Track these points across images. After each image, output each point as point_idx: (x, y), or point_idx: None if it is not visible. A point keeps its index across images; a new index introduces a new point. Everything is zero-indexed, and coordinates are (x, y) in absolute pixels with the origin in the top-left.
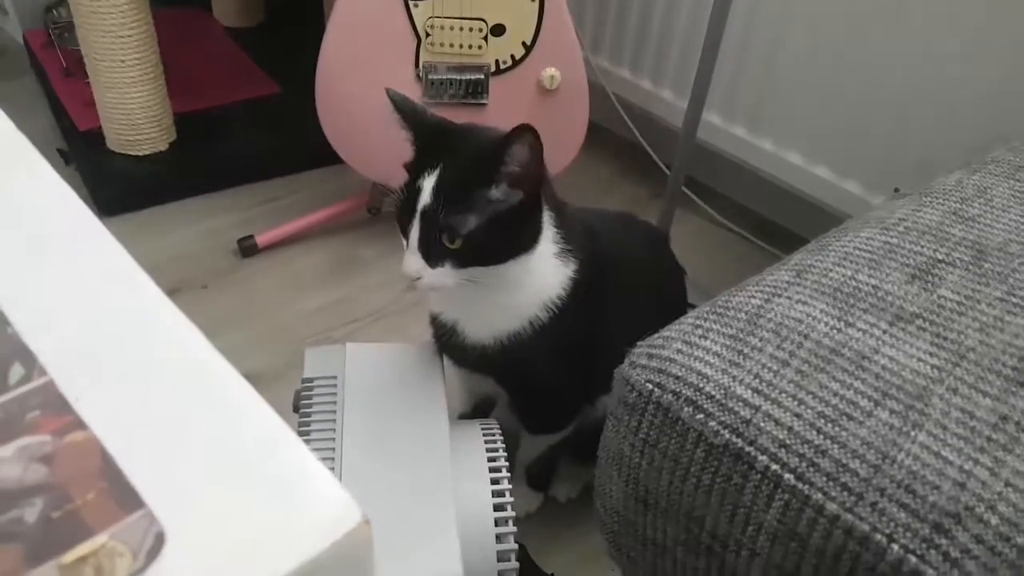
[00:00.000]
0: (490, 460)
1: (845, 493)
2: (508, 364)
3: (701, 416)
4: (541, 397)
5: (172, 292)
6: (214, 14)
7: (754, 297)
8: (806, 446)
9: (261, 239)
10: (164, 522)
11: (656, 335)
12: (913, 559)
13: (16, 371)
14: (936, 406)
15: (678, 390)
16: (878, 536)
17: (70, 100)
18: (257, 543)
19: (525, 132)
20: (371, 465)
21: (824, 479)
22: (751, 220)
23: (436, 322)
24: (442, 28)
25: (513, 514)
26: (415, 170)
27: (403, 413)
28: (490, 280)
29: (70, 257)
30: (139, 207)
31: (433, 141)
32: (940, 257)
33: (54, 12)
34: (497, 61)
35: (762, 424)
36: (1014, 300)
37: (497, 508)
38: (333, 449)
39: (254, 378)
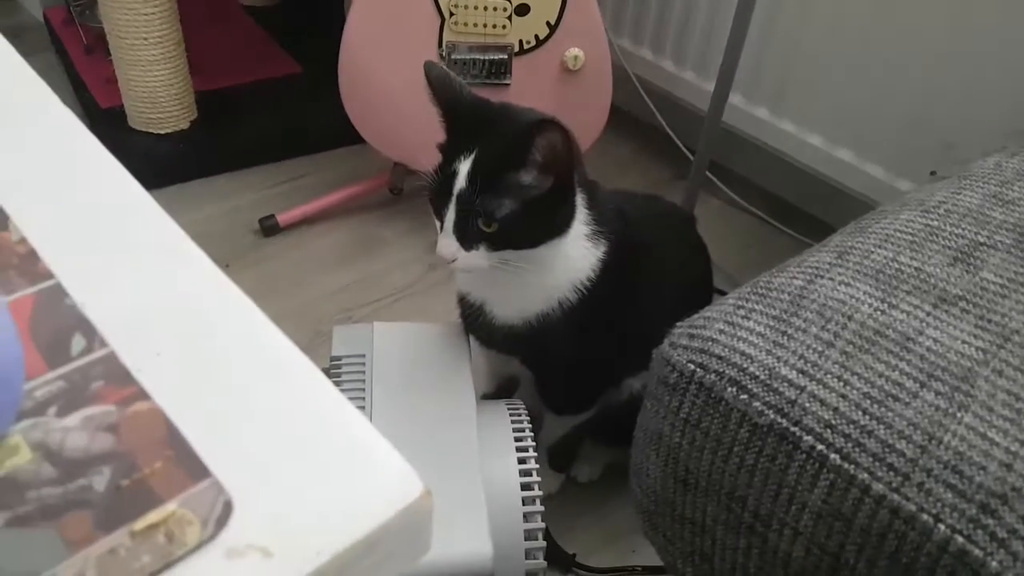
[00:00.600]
0: (517, 440)
1: (891, 473)
2: (535, 345)
3: (745, 396)
4: (567, 378)
5: None
6: None
7: (796, 278)
8: (852, 426)
9: (283, 218)
10: (231, 491)
11: (696, 315)
12: (960, 539)
13: (78, 342)
14: (982, 388)
15: (721, 370)
16: (924, 516)
17: (91, 78)
18: (324, 512)
19: (547, 129)
20: (399, 443)
21: (870, 459)
22: (772, 204)
23: (464, 302)
24: (466, 8)
25: (540, 493)
26: (449, 152)
27: (431, 392)
28: (522, 262)
29: (122, 229)
30: (160, 186)
31: (468, 122)
32: (982, 240)
33: None
34: (521, 41)
35: (807, 404)
36: None
37: (524, 487)
38: None
39: None
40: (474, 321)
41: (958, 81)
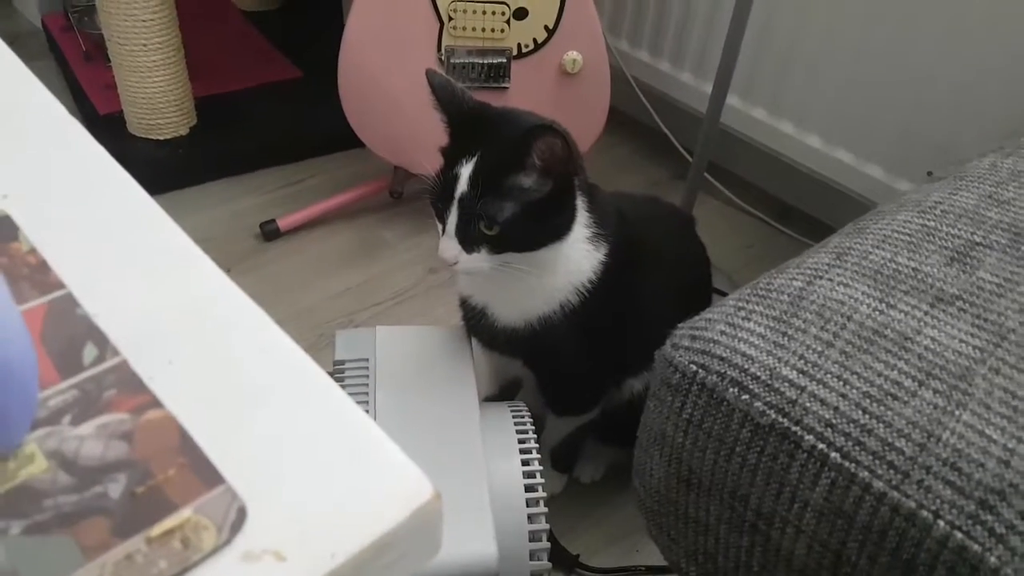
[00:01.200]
0: (520, 442)
1: (891, 471)
2: (538, 347)
3: (747, 397)
4: (569, 379)
5: None
6: None
7: (795, 279)
8: (852, 425)
9: (283, 223)
10: (244, 497)
11: (698, 317)
12: (959, 535)
13: (90, 351)
14: (979, 386)
15: (723, 371)
16: (924, 513)
17: (90, 84)
18: (337, 515)
19: (545, 133)
20: (403, 446)
21: (870, 458)
22: (770, 204)
23: (466, 305)
24: (465, 12)
25: (544, 495)
26: (451, 156)
27: (434, 395)
28: (524, 265)
29: (130, 237)
30: (160, 191)
31: (470, 127)
32: (978, 240)
33: None
34: (519, 45)
35: (808, 404)
36: None
37: (528, 489)
38: None
39: None
40: (476, 324)
41: (955, 82)
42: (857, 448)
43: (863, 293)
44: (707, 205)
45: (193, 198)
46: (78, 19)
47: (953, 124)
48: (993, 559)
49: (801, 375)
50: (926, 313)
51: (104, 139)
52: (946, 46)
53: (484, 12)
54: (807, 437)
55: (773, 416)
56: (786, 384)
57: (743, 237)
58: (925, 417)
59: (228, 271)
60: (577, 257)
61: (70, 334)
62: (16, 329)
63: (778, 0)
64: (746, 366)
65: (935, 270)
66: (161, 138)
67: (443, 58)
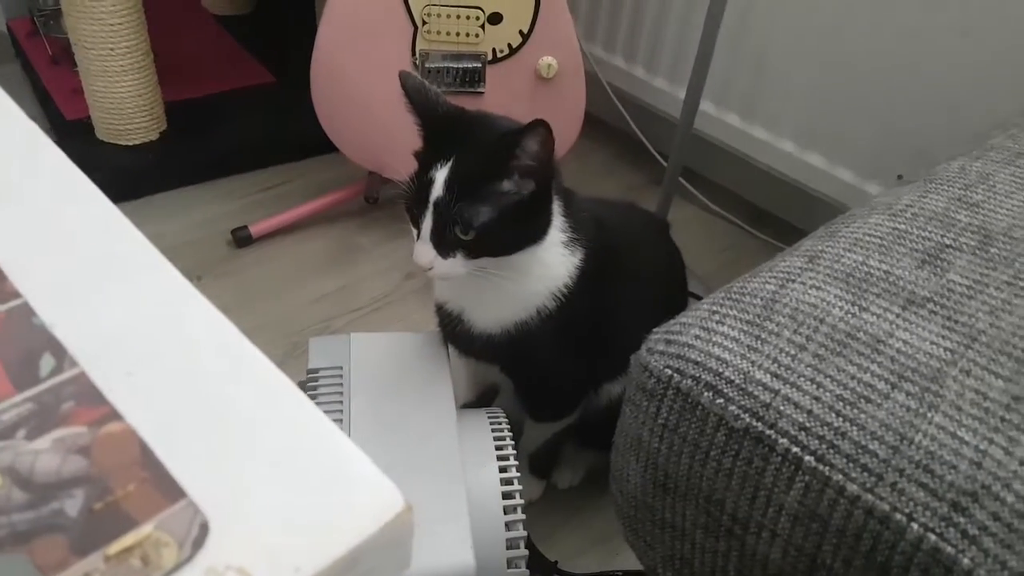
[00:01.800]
0: (498, 448)
1: (865, 474)
2: (515, 352)
3: (721, 401)
4: (547, 385)
5: None
6: (203, 2)
7: (768, 283)
8: (826, 428)
9: (255, 229)
10: (207, 512)
11: (672, 321)
12: (932, 537)
13: (47, 362)
14: (951, 388)
15: (697, 375)
16: (898, 515)
17: (57, 89)
18: (303, 530)
19: (539, 127)
20: (379, 455)
21: (844, 460)
22: (745, 209)
23: (442, 311)
24: (439, 16)
25: (522, 502)
26: (426, 160)
27: (410, 402)
28: (500, 269)
29: (90, 245)
30: (130, 198)
31: (444, 130)
32: (948, 242)
33: (39, 0)
34: (494, 49)
35: (782, 408)
36: (1021, 284)
37: (506, 496)
38: None
39: None
40: (453, 330)
41: (925, 87)
42: (831, 451)
43: (835, 296)
44: (682, 210)
45: (164, 204)
46: (44, 23)
47: (923, 128)
48: (966, 560)
49: (775, 378)
50: (898, 316)
51: (72, 145)
52: (916, 51)
53: (459, 16)
54: (781, 440)
55: (747, 420)
56: (760, 388)
57: (718, 241)
58: (898, 420)
59: (199, 278)
60: (553, 262)
61: (26, 345)
62: None
63: (751, 7)
64: (720, 370)
65: (906, 273)
66: (130, 144)
67: (417, 62)
